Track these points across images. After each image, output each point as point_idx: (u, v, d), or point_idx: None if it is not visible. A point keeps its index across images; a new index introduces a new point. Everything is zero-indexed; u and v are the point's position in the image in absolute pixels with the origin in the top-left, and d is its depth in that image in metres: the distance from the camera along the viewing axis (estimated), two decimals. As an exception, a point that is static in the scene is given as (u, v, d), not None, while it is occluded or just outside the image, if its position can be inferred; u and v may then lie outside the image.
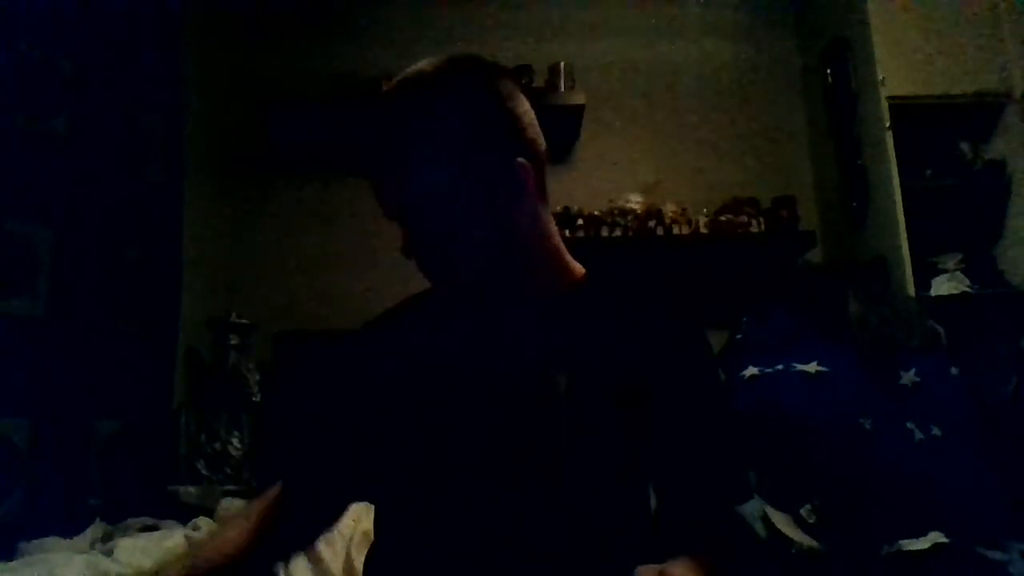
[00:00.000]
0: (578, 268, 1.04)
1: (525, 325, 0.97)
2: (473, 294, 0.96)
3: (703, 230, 2.71)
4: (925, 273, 2.48)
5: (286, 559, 1.18)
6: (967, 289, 2.48)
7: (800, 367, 1.99)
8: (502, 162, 0.92)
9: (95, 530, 1.81)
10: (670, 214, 2.71)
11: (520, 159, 0.93)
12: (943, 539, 1.66)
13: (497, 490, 0.89)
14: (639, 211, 2.71)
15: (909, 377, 1.96)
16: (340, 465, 1.02)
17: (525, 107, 0.97)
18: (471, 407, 0.93)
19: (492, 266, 0.94)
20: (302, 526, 1.05)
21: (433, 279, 0.97)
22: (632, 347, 0.93)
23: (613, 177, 2.89)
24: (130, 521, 1.88)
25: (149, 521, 1.89)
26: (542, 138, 0.99)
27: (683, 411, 0.91)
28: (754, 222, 2.72)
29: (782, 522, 1.76)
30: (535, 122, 0.98)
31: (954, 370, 2.01)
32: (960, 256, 2.56)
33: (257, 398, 2.46)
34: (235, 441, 2.40)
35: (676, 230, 2.70)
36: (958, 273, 2.52)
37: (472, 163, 0.90)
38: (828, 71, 2.79)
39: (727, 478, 0.95)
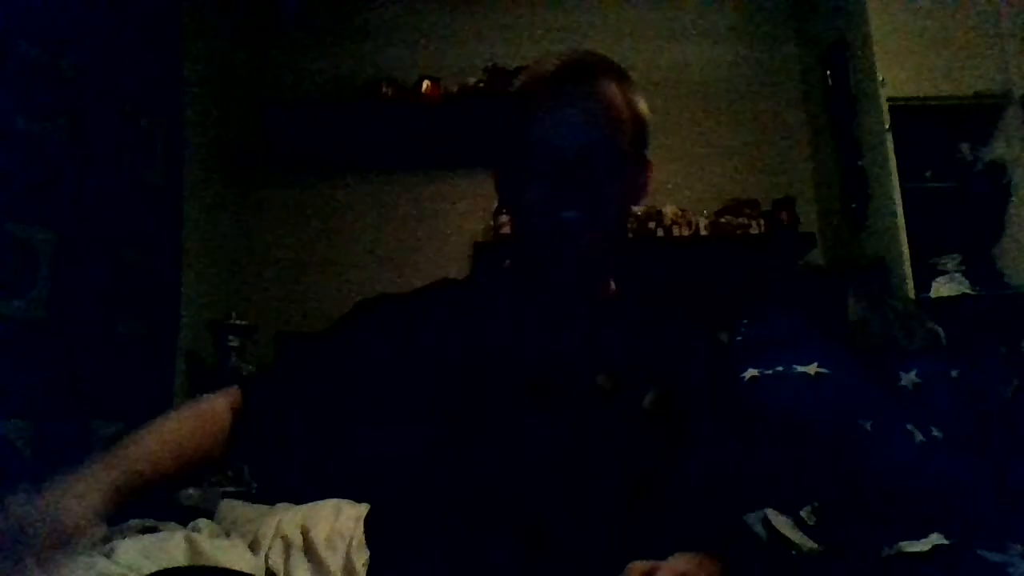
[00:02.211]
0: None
1: (577, 324, 1.00)
2: (558, 283, 0.99)
3: (703, 231, 2.71)
4: (925, 274, 2.48)
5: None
6: (967, 290, 2.48)
7: (800, 368, 1.99)
8: (644, 157, 1.03)
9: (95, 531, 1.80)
10: (670, 215, 2.72)
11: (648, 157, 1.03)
12: (943, 541, 1.66)
13: (537, 482, 0.91)
14: (639, 212, 2.72)
15: (909, 378, 1.96)
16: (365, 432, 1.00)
17: None
18: (518, 398, 0.94)
19: (600, 251, 0.99)
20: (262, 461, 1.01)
21: (543, 243, 0.97)
22: (667, 355, 1.00)
23: (613, 178, 2.88)
24: (130, 522, 1.87)
25: (149, 523, 1.88)
26: None
27: (711, 418, 0.98)
28: (754, 223, 2.72)
29: (782, 524, 1.76)
30: None
31: (954, 372, 2.01)
32: (960, 257, 2.56)
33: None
34: (235, 442, 2.40)
35: (676, 231, 2.71)
36: (958, 274, 2.52)
37: (631, 150, 0.98)
38: (828, 73, 2.79)
39: (744, 483, 1.01)
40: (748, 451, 1.03)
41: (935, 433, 1.88)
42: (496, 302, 1.04)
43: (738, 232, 2.70)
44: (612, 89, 0.98)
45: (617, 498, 0.91)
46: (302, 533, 1.66)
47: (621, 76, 1.01)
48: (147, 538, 1.67)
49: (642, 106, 1.02)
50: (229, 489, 2.24)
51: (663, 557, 0.82)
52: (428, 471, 0.94)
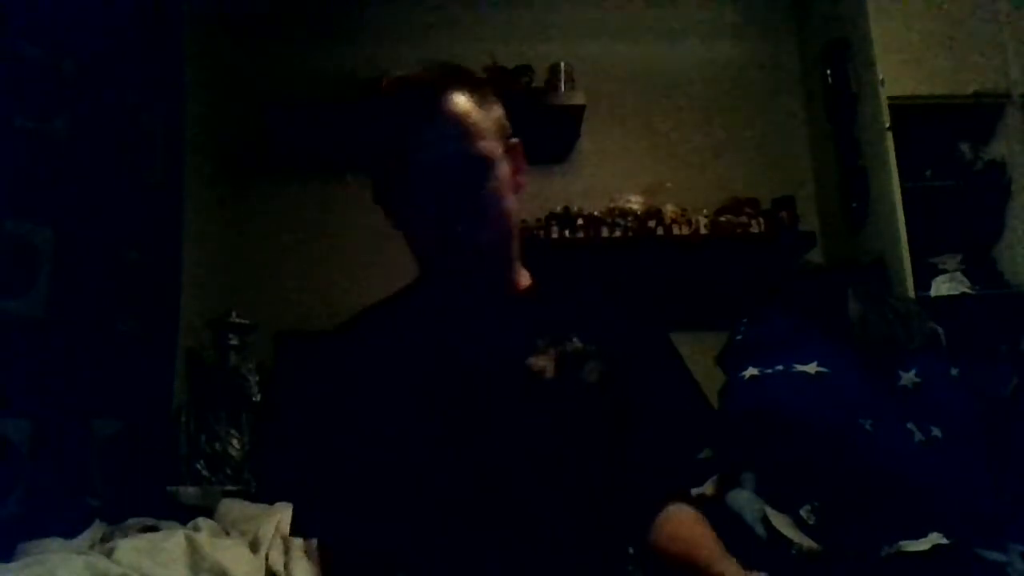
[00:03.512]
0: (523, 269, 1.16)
1: (510, 317, 1.07)
2: (468, 285, 1.04)
3: (703, 231, 2.71)
4: (925, 274, 2.48)
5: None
6: (967, 290, 2.48)
7: (800, 368, 1.99)
8: (511, 145, 1.08)
9: (95, 531, 1.81)
10: (670, 214, 2.71)
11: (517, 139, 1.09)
12: (943, 540, 1.66)
13: (504, 473, 0.97)
14: (639, 211, 2.72)
15: (909, 378, 1.96)
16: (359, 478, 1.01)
17: None
18: (474, 399, 1.00)
19: (498, 251, 1.04)
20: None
21: (444, 259, 1.02)
22: (598, 331, 1.06)
23: (613, 177, 2.89)
24: (130, 522, 1.88)
25: (149, 522, 1.89)
26: None
27: (650, 378, 1.09)
28: (754, 222, 2.72)
29: (782, 523, 1.76)
30: None
31: (954, 371, 2.01)
32: (960, 257, 2.56)
33: (257, 398, 2.46)
34: (235, 442, 2.40)
35: (676, 230, 2.70)
36: (958, 274, 2.52)
37: (501, 149, 1.04)
38: (828, 71, 2.79)
39: (690, 427, 1.12)
40: (690, 396, 1.12)
41: (935, 432, 1.88)
42: (416, 318, 1.08)
43: (738, 231, 2.70)
44: (470, 100, 1.01)
45: (578, 470, 1.00)
46: (302, 532, 1.66)
47: (475, 84, 1.04)
48: (147, 537, 1.68)
49: (498, 108, 1.06)
50: (229, 488, 2.24)
51: (630, 515, 1.00)
52: (405, 482, 0.98)
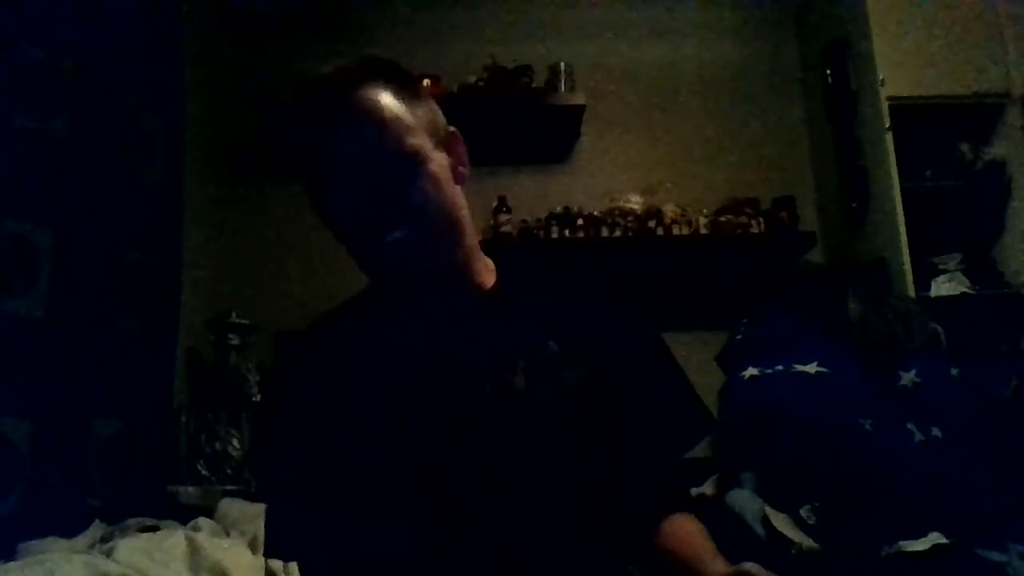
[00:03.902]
0: (491, 263, 1.07)
1: (471, 323, 0.99)
2: (413, 295, 0.96)
3: (703, 231, 2.71)
4: (925, 274, 2.48)
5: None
6: (967, 290, 2.48)
7: (800, 368, 1.99)
8: (446, 136, 1.00)
9: (95, 530, 1.81)
10: (670, 214, 2.71)
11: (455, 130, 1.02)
12: (943, 540, 1.66)
13: (488, 494, 0.91)
14: (639, 211, 2.72)
15: (909, 378, 1.96)
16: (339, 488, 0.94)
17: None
18: (439, 418, 0.93)
19: (442, 253, 0.94)
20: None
21: (384, 271, 0.95)
22: (573, 337, 0.99)
23: (613, 177, 2.89)
24: (130, 521, 1.88)
25: (149, 521, 1.88)
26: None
27: (638, 377, 1.03)
28: (754, 223, 2.72)
29: (782, 522, 1.76)
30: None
31: (954, 371, 2.01)
32: (960, 257, 2.56)
33: (257, 398, 2.46)
34: (235, 441, 2.40)
35: (676, 230, 2.70)
36: (958, 274, 2.52)
37: (430, 143, 0.95)
38: (828, 71, 2.79)
39: (682, 426, 1.07)
40: (681, 393, 1.07)
41: (935, 432, 1.88)
42: (368, 333, 1.00)
43: (738, 231, 2.70)
44: (390, 95, 0.92)
45: (565, 481, 0.94)
46: (302, 532, 1.66)
47: (397, 78, 0.94)
48: (147, 537, 1.68)
49: (428, 103, 0.98)
50: (229, 488, 2.24)
51: (628, 523, 0.96)
52: (376, 514, 0.91)
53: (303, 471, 0.95)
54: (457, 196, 0.97)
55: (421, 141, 0.92)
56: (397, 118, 0.91)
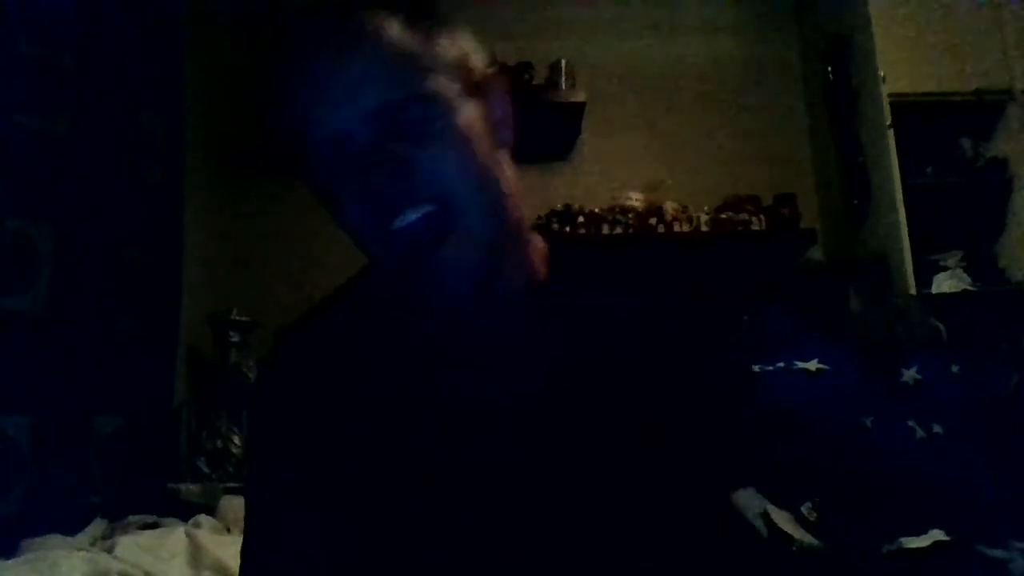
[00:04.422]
0: (540, 245, 0.81)
1: (500, 335, 0.73)
2: (435, 297, 0.70)
3: (704, 228, 2.71)
4: (926, 271, 2.48)
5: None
6: (968, 287, 2.48)
7: (801, 365, 1.98)
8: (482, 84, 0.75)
9: (96, 528, 1.81)
10: (671, 212, 2.71)
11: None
12: (944, 537, 1.66)
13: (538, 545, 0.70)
14: (640, 209, 2.71)
15: (910, 375, 1.96)
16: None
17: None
18: (459, 452, 0.70)
19: (473, 246, 0.69)
20: None
21: (389, 266, 0.71)
22: (639, 357, 0.74)
23: (614, 175, 2.89)
24: (131, 519, 1.88)
25: (150, 519, 1.89)
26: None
27: (690, 409, 0.75)
28: (755, 220, 2.72)
29: (783, 520, 1.76)
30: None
31: (955, 368, 2.00)
32: (961, 254, 2.55)
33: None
34: (236, 439, 2.40)
35: (677, 228, 2.70)
36: (959, 271, 2.52)
37: (458, 89, 0.72)
38: (829, 68, 2.78)
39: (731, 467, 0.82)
40: (741, 447, 0.85)
41: (936, 429, 1.87)
42: (371, 339, 0.76)
43: (739, 228, 2.70)
44: (402, 23, 0.69)
45: (591, 528, 0.69)
46: (302, 529, 1.66)
47: (404, 8, 0.70)
48: (148, 534, 1.68)
49: (459, 38, 0.74)
50: (230, 485, 2.24)
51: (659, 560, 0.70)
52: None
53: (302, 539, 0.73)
54: (496, 163, 0.72)
55: (444, 85, 0.69)
56: (408, 52, 0.68)
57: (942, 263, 2.54)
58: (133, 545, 1.57)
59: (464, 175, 0.68)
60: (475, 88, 0.72)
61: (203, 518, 1.85)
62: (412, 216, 0.66)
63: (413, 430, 0.71)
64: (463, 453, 0.70)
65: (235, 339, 2.51)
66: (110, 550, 1.56)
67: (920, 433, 1.88)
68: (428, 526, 0.69)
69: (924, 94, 2.53)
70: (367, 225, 0.69)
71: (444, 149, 0.67)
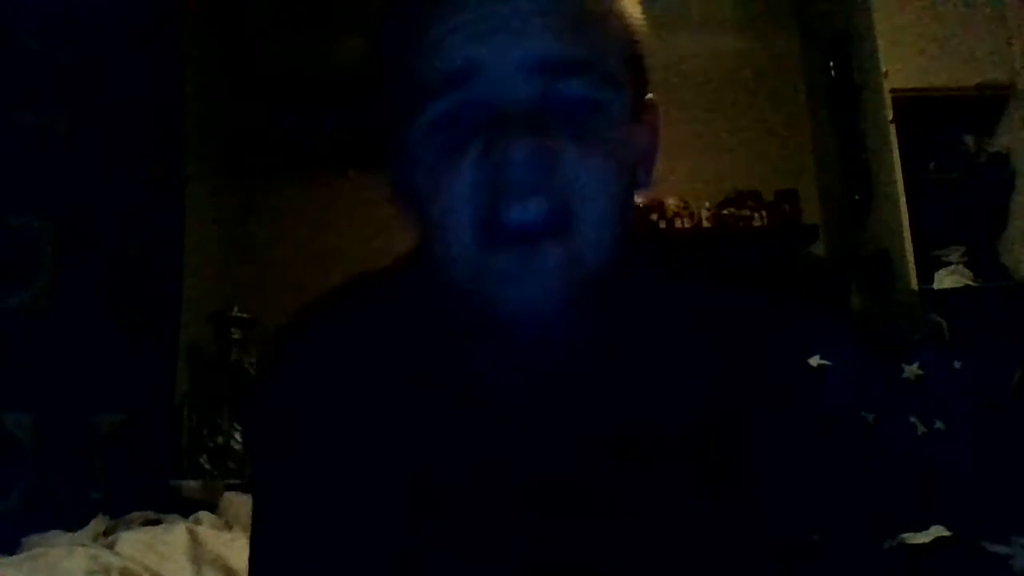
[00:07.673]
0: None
1: (585, 343, 0.58)
2: (512, 324, 0.54)
3: (705, 223, 2.71)
4: (928, 266, 2.48)
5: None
6: (970, 282, 2.47)
7: (803, 361, 1.98)
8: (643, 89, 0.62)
9: (97, 524, 1.81)
10: (672, 207, 2.71)
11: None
12: (946, 532, 1.66)
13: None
14: (641, 204, 2.70)
15: (912, 370, 1.96)
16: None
17: None
18: (511, 475, 0.59)
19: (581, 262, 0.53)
20: None
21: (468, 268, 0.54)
22: (717, 374, 0.63)
23: (615, 170, 2.88)
24: (132, 515, 1.88)
25: (152, 515, 1.89)
26: None
27: (770, 440, 0.64)
28: (757, 215, 2.71)
29: (784, 516, 1.76)
30: None
31: (957, 363, 2.00)
32: (963, 249, 2.55)
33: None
34: (237, 435, 2.40)
35: (678, 223, 2.70)
36: (961, 266, 2.51)
37: (626, 75, 0.59)
38: (831, 64, 2.78)
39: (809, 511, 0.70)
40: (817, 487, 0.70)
41: (938, 425, 1.87)
42: (416, 339, 0.63)
43: (741, 224, 2.70)
44: None
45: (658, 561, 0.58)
46: (304, 525, 1.66)
47: None
48: (149, 530, 1.68)
49: (628, 20, 0.61)
50: (231, 482, 2.24)
51: None
52: None
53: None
54: (631, 197, 0.59)
55: (615, 66, 0.55)
56: (585, 10, 0.55)
57: (944, 259, 2.54)
58: (135, 541, 1.57)
59: (607, 192, 0.53)
60: (645, 103, 0.59)
61: (204, 515, 1.85)
62: (534, 210, 0.50)
63: (458, 441, 0.60)
64: (499, 464, 0.59)
65: (236, 336, 2.51)
66: (111, 546, 1.56)
67: (922, 428, 1.88)
68: (453, 537, 0.59)
69: (926, 89, 2.53)
70: (466, 203, 0.51)
71: (593, 141, 0.52)
